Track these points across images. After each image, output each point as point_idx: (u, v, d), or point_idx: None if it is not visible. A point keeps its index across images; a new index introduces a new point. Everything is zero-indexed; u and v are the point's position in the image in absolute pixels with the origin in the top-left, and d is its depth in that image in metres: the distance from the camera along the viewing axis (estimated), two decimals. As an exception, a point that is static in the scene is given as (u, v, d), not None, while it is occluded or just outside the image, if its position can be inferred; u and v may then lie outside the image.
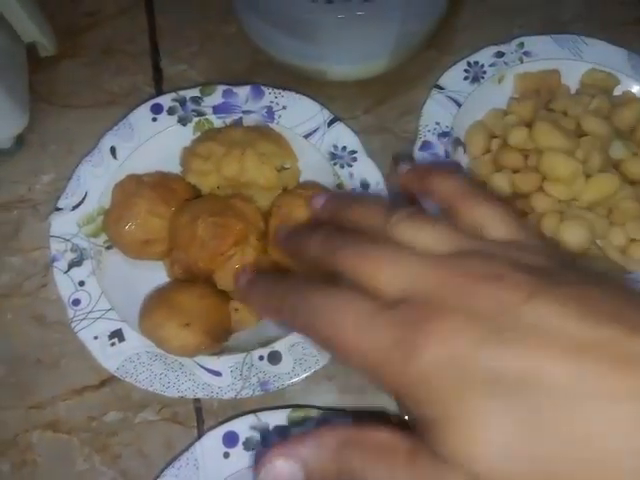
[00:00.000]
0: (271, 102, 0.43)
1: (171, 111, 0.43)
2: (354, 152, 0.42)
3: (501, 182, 0.42)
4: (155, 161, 0.42)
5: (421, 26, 0.44)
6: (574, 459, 0.17)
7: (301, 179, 0.43)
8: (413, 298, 0.21)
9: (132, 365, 0.38)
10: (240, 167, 0.40)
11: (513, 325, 0.19)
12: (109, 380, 0.40)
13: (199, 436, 0.38)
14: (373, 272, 0.23)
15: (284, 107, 0.43)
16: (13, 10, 0.43)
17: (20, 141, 0.46)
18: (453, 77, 0.45)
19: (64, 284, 0.40)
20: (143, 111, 0.43)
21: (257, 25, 0.44)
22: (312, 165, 0.43)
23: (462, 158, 0.44)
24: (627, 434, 0.17)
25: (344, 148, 0.42)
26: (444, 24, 0.46)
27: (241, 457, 0.36)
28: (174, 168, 0.42)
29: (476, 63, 0.45)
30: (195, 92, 0.44)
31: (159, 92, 0.48)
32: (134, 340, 0.38)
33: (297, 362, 0.37)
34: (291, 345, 0.38)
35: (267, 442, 0.37)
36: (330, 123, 0.43)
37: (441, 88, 0.45)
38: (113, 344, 0.38)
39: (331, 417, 0.37)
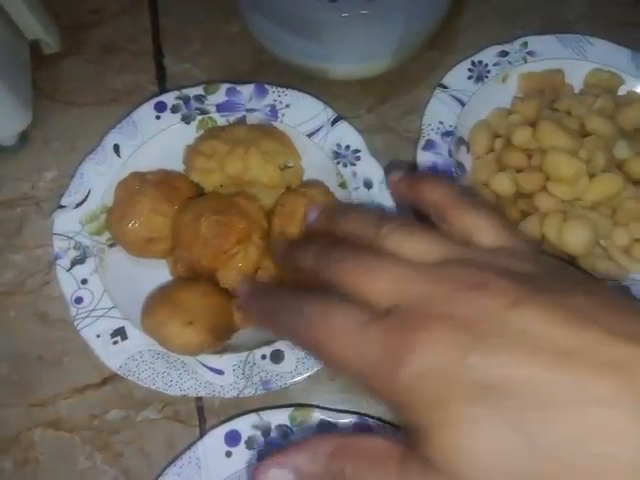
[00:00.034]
0: (274, 101, 0.43)
1: (175, 109, 0.43)
2: (357, 151, 0.42)
3: (504, 181, 0.42)
4: (158, 159, 0.42)
5: (424, 25, 0.44)
6: (559, 465, 0.18)
7: (304, 178, 0.43)
8: (401, 308, 0.21)
9: (134, 363, 0.38)
10: (243, 165, 0.39)
11: (498, 332, 0.19)
12: (111, 378, 0.40)
13: (201, 435, 0.38)
14: (363, 283, 0.23)
15: (287, 106, 0.43)
16: (17, 7, 0.43)
17: (23, 138, 0.46)
18: (457, 76, 0.45)
19: (67, 282, 0.39)
20: (147, 109, 0.43)
21: (261, 24, 0.44)
22: (315, 164, 0.42)
23: (465, 157, 0.44)
24: (610, 439, 0.17)
25: (347, 147, 0.42)
26: (447, 24, 0.46)
27: (243, 456, 0.36)
28: (177, 166, 0.42)
29: (480, 62, 0.45)
30: (199, 90, 0.44)
31: (162, 90, 0.48)
32: (137, 338, 0.38)
33: (299, 361, 0.37)
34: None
35: (269, 441, 0.37)
36: (333, 122, 0.43)
37: (445, 87, 0.44)
38: (116, 342, 0.38)
39: (334, 416, 0.37)
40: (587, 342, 0.19)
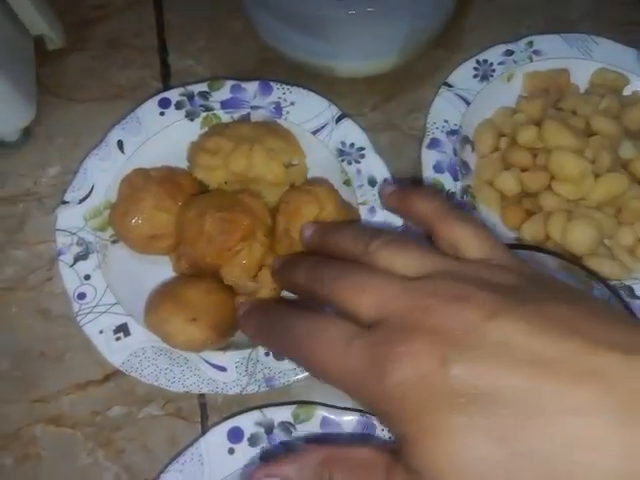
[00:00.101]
0: (279, 98, 0.43)
1: (179, 105, 0.43)
2: (362, 149, 0.42)
3: (509, 180, 0.42)
4: (162, 155, 0.42)
5: (430, 24, 0.44)
6: (539, 474, 0.18)
7: (309, 175, 0.43)
8: (386, 322, 0.22)
9: (137, 360, 0.37)
10: (248, 162, 0.39)
11: (478, 343, 0.20)
12: (113, 375, 0.40)
13: (203, 432, 0.38)
14: (351, 299, 0.24)
15: (292, 103, 0.43)
16: (21, 3, 0.43)
17: (27, 134, 0.46)
18: (462, 75, 0.45)
19: (69, 278, 0.39)
20: (151, 105, 0.43)
21: (266, 21, 0.44)
22: (320, 161, 0.42)
23: (470, 156, 0.44)
24: (589, 448, 0.18)
25: (352, 145, 0.42)
26: (452, 24, 0.46)
27: (246, 453, 0.36)
28: (181, 163, 0.42)
29: (485, 61, 0.45)
30: (203, 87, 0.44)
31: (166, 87, 0.47)
32: (139, 335, 0.38)
33: (303, 358, 0.37)
34: (297, 341, 0.37)
35: (272, 438, 0.36)
36: (338, 119, 0.43)
37: (450, 86, 0.44)
38: (118, 338, 0.38)
39: (337, 413, 0.37)
40: (566, 352, 0.19)
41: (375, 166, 0.41)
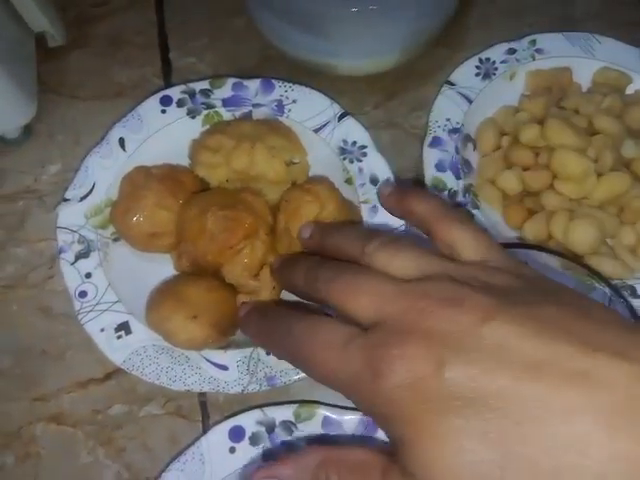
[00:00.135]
0: (281, 96, 0.43)
1: (180, 103, 0.43)
2: (364, 147, 0.42)
3: (511, 179, 0.42)
4: (164, 153, 0.42)
5: (432, 22, 0.44)
6: (535, 475, 0.18)
7: (310, 173, 0.43)
8: (382, 324, 0.22)
9: (138, 358, 0.37)
10: (250, 160, 0.39)
11: (473, 346, 0.20)
12: (114, 373, 0.39)
13: (204, 430, 0.38)
14: (348, 301, 0.24)
15: (294, 101, 0.43)
16: (23, 0, 0.43)
17: (28, 131, 0.45)
18: (464, 73, 0.45)
19: (71, 276, 0.39)
20: (152, 103, 0.43)
21: (268, 19, 0.44)
22: (321, 160, 0.42)
23: (472, 155, 0.44)
24: (577, 451, 0.18)
25: (354, 143, 0.42)
26: (455, 22, 0.46)
27: (247, 452, 0.36)
28: (183, 161, 0.42)
29: (487, 59, 0.45)
30: (205, 85, 0.43)
31: (168, 84, 0.47)
32: (141, 333, 0.38)
33: (304, 357, 0.37)
34: (299, 340, 0.37)
35: (273, 438, 0.36)
36: (340, 118, 0.42)
37: (452, 84, 0.44)
38: (120, 337, 0.38)
39: (338, 413, 0.37)
40: (558, 354, 0.19)
41: (377, 165, 0.41)
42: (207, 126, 0.43)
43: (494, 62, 0.45)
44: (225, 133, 0.41)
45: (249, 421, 0.37)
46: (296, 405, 0.37)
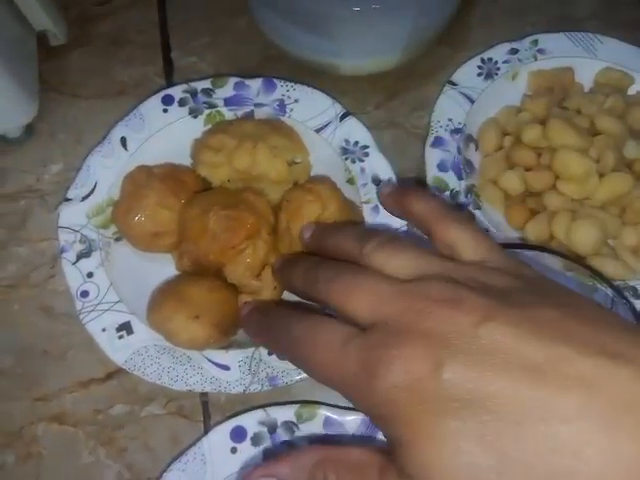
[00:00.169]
0: (283, 95, 0.43)
1: (182, 102, 0.43)
2: (366, 147, 0.42)
3: (513, 179, 0.42)
4: (165, 153, 0.42)
5: (434, 21, 0.44)
6: (532, 478, 0.18)
7: (312, 173, 0.42)
8: (380, 325, 0.22)
9: (140, 358, 0.37)
10: (252, 160, 0.39)
11: (471, 348, 0.20)
12: (116, 373, 0.39)
13: (205, 431, 0.38)
14: (346, 302, 0.24)
15: (296, 100, 0.43)
16: (25, -2, 0.43)
17: (29, 130, 0.45)
18: (466, 73, 0.45)
19: (72, 275, 0.39)
20: (154, 102, 0.43)
21: (270, 19, 0.44)
22: (323, 159, 0.42)
23: (474, 155, 0.44)
24: (573, 455, 0.18)
25: (356, 143, 0.42)
26: (457, 21, 0.46)
27: (249, 452, 0.36)
28: (184, 160, 0.42)
29: (490, 59, 0.45)
30: (206, 84, 0.43)
31: (169, 84, 0.47)
32: (142, 333, 0.38)
33: (306, 357, 0.37)
34: (300, 340, 0.37)
35: (274, 438, 0.36)
36: (342, 117, 0.42)
37: (454, 84, 0.44)
38: (121, 337, 0.38)
39: (340, 413, 0.37)
40: (556, 356, 0.19)
41: (379, 165, 0.41)
42: (209, 125, 0.43)
43: (496, 62, 0.45)
44: (227, 133, 0.41)
45: (251, 421, 0.37)
46: (298, 405, 0.37)
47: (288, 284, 0.32)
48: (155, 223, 0.38)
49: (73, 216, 0.40)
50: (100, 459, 0.38)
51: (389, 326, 0.22)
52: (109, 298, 0.39)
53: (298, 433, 0.36)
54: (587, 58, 0.46)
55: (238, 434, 0.36)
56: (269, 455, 0.36)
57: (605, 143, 0.41)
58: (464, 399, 0.19)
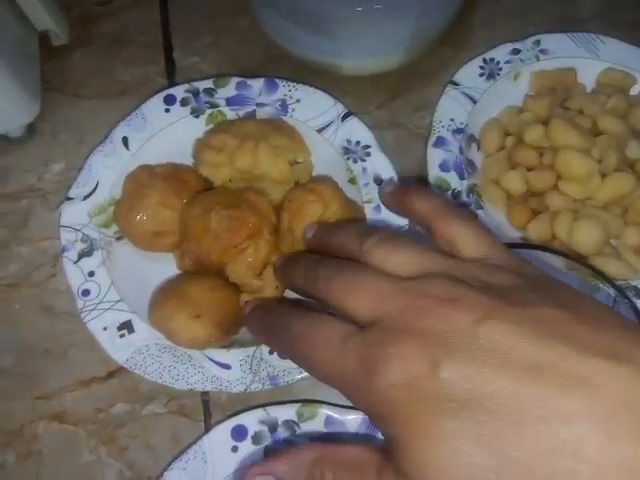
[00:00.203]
0: (285, 95, 0.43)
1: (184, 102, 0.43)
2: (368, 147, 0.42)
3: (515, 180, 0.41)
4: (167, 152, 0.42)
5: (436, 22, 0.44)
6: (530, 479, 0.18)
7: (314, 173, 0.42)
8: (379, 323, 0.22)
9: (141, 357, 0.37)
10: (253, 160, 0.39)
11: (469, 346, 0.20)
12: (117, 372, 0.39)
13: (206, 430, 0.38)
14: (346, 300, 0.24)
15: (298, 100, 0.43)
16: (27, -2, 0.43)
17: (31, 130, 0.45)
18: (468, 73, 0.45)
19: (74, 274, 0.39)
20: (156, 102, 0.43)
21: (272, 19, 0.44)
22: (325, 159, 0.42)
23: (476, 155, 0.44)
24: (572, 456, 0.17)
25: (358, 143, 0.42)
26: (459, 21, 0.46)
27: (249, 451, 0.36)
28: (186, 160, 0.42)
29: (492, 60, 0.45)
30: (208, 84, 0.43)
31: (171, 83, 0.47)
32: (143, 332, 0.38)
33: (307, 357, 0.37)
34: (302, 340, 0.37)
35: (275, 437, 0.36)
36: (344, 117, 0.42)
37: (456, 84, 0.44)
38: (122, 335, 0.38)
39: (341, 412, 0.37)
40: (557, 357, 0.19)
41: (380, 164, 0.41)
42: (211, 125, 0.43)
43: (498, 62, 0.45)
44: (229, 132, 0.41)
45: (252, 420, 0.37)
46: (299, 404, 0.37)
47: (289, 282, 0.32)
48: (157, 222, 0.38)
49: (75, 215, 0.40)
50: (101, 458, 0.38)
51: (387, 324, 0.22)
52: (110, 297, 0.39)
53: (299, 432, 0.36)
54: (589, 58, 0.46)
55: (239, 433, 0.36)
56: (270, 453, 0.36)
57: (607, 143, 0.41)
58: (462, 399, 0.19)
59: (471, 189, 0.41)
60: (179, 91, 0.43)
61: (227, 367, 0.37)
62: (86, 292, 0.39)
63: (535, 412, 0.18)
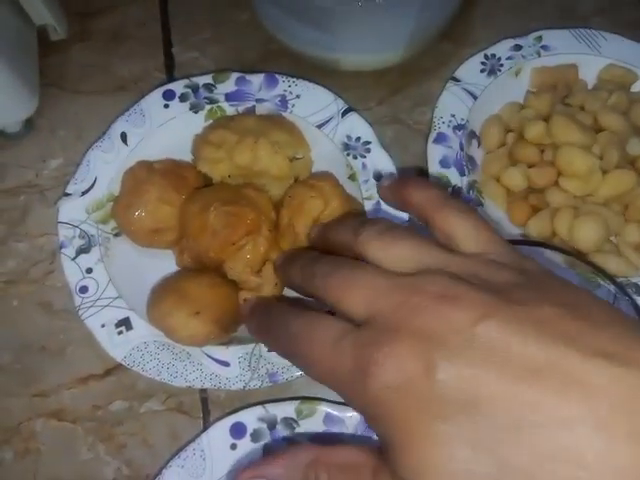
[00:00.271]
0: (285, 91, 0.43)
1: (183, 98, 0.43)
2: (368, 143, 0.41)
3: (516, 176, 0.41)
4: (166, 148, 0.41)
5: (437, 17, 0.44)
6: None
7: (314, 169, 0.42)
8: (374, 321, 0.22)
9: (139, 354, 0.37)
10: (253, 156, 0.39)
11: (466, 347, 0.19)
12: (115, 369, 0.39)
13: (205, 427, 0.38)
14: (342, 297, 0.24)
15: (298, 96, 0.43)
16: (25, -8, 0.43)
17: (29, 125, 0.45)
18: (470, 69, 0.44)
19: (71, 271, 0.39)
20: (155, 97, 0.43)
21: (272, 13, 0.44)
22: (325, 155, 0.42)
23: (477, 151, 0.44)
24: (571, 462, 0.17)
25: (358, 139, 0.42)
26: (460, 17, 0.45)
27: (248, 449, 0.36)
28: (185, 156, 0.42)
29: (493, 56, 0.45)
30: (208, 79, 0.43)
31: (170, 79, 0.47)
32: (142, 329, 0.38)
33: (307, 354, 0.37)
34: (301, 337, 0.37)
35: (274, 434, 0.36)
36: (344, 113, 0.42)
37: (457, 80, 0.44)
38: (120, 332, 0.38)
39: (340, 410, 0.36)
40: (556, 359, 0.18)
41: (381, 161, 0.41)
42: (210, 121, 0.43)
43: (499, 58, 0.45)
44: (228, 128, 0.40)
45: (250, 418, 0.36)
46: (298, 402, 0.37)
47: (288, 281, 0.32)
48: (155, 219, 0.38)
49: (72, 211, 0.40)
50: (99, 455, 0.38)
51: (382, 323, 0.21)
52: (108, 294, 0.38)
53: (298, 429, 0.36)
54: (591, 55, 0.45)
55: (238, 430, 0.36)
56: (269, 451, 0.36)
57: (608, 140, 0.41)
58: (459, 401, 0.18)
59: (471, 186, 0.41)
60: (178, 86, 0.43)
61: (226, 364, 0.37)
62: (84, 289, 0.38)
63: (534, 417, 0.18)
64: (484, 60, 0.45)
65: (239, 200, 0.37)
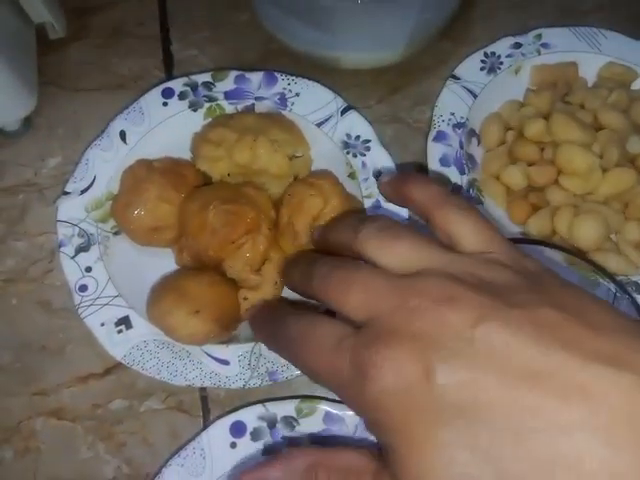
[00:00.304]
0: (284, 89, 0.43)
1: (182, 96, 0.43)
2: (367, 141, 0.41)
3: (516, 174, 0.41)
4: (165, 146, 0.41)
5: (437, 15, 0.44)
6: None
7: (313, 168, 0.42)
8: (372, 323, 0.21)
9: (139, 353, 0.37)
10: (252, 154, 0.39)
11: (465, 351, 0.19)
12: (114, 368, 0.39)
13: (205, 426, 0.38)
14: (341, 297, 0.23)
15: (297, 94, 0.42)
16: (23, -10, 0.42)
17: (27, 124, 0.45)
18: (469, 67, 0.44)
19: (71, 270, 0.39)
20: (154, 95, 0.42)
21: (272, 12, 0.44)
22: (324, 154, 0.42)
23: (476, 149, 0.44)
24: (572, 468, 0.17)
25: (357, 137, 0.41)
26: (460, 15, 0.46)
27: (248, 447, 0.36)
28: (184, 154, 0.42)
29: (493, 54, 0.45)
30: (207, 77, 0.43)
31: (169, 77, 0.47)
32: (141, 327, 0.38)
33: (307, 353, 0.37)
34: (301, 335, 0.37)
35: (274, 433, 0.36)
36: (343, 111, 0.42)
37: (457, 78, 0.44)
38: (120, 331, 0.38)
39: (340, 408, 0.36)
40: (556, 364, 0.18)
41: (380, 159, 0.41)
42: (209, 119, 0.43)
43: (499, 56, 0.45)
44: (227, 126, 0.40)
45: (250, 416, 0.36)
46: (298, 400, 0.37)
47: (290, 284, 0.31)
48: (155, 217, 0.38)
49: (72, 210, 0.40)
50: (99, 454, 0.38)
51: (380, 325, 0.21)
52: (108, 292, 0.38)
53: (298, 428, 0.36)
54: (591, 53, 0.45)
55: (238, 429, 0.36)
56: (269, 451, 0.36)
57: (608, 138, 0.40)
58: (457, 407, 0.18)
59: (471, 184, 0.41)
60: (177, 84, 0.43)
61: (226, 363, 0.37)
62: (83, 287, 0.38)
63: (533, 422, 0.18)
64: (484, 58, 0.45)
65: (238, 198, 0.37)
